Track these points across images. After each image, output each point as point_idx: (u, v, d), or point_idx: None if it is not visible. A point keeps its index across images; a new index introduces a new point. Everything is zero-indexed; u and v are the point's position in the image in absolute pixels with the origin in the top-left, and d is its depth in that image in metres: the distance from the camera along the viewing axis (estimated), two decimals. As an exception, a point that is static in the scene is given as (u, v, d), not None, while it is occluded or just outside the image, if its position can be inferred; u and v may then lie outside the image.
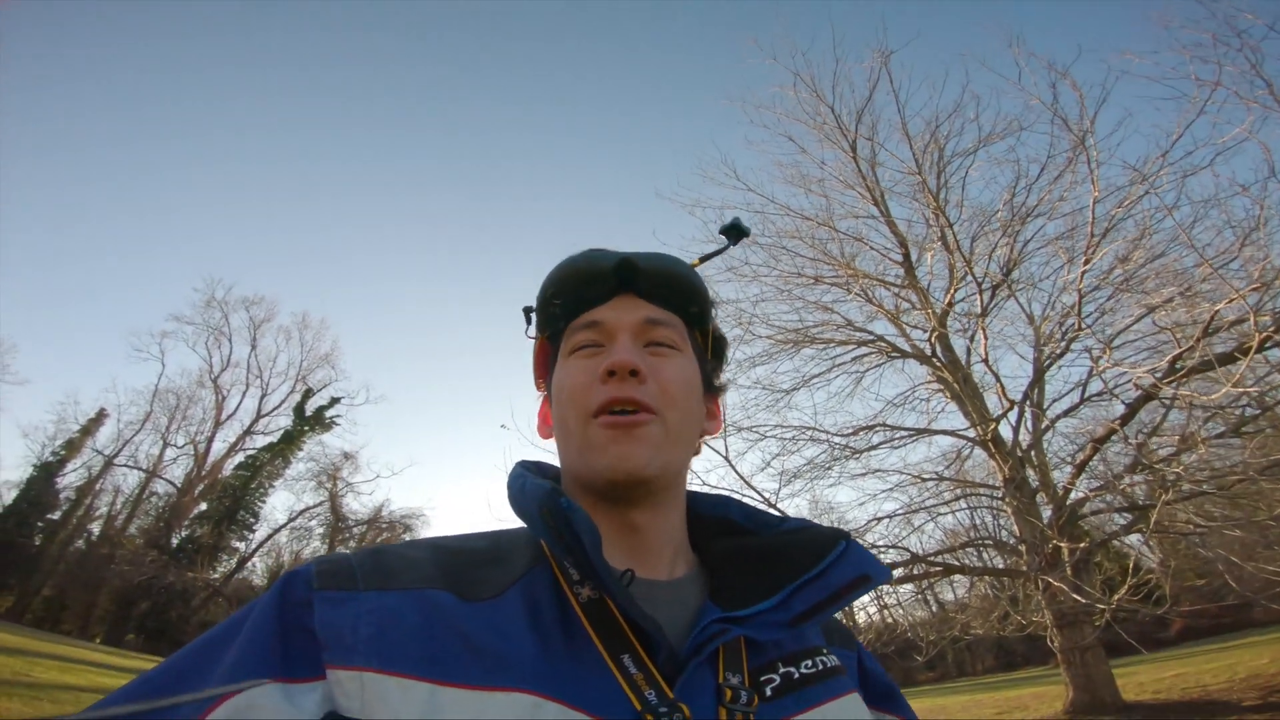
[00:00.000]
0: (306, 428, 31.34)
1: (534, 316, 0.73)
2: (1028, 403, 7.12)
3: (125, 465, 29.89)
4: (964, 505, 10.11)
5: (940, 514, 9.20)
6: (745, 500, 0.73)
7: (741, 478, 6.76)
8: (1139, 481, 6.65)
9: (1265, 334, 4.68)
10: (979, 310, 7.23)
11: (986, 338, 7.00)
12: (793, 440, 8.27)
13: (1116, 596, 5.69)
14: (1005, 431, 7.39)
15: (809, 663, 0.58)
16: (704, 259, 0.78)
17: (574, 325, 0.67)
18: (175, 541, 28.28)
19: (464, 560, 0.56)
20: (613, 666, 0.49)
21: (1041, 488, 7.29)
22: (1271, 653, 9.87)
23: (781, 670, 0.56)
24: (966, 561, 10.31)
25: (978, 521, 12.22)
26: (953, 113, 8.39)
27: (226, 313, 32.74)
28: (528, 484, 0.59)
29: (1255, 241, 5.34)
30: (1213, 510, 6.32)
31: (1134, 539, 7.68)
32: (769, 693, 0.54)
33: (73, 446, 28.97)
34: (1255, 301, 4.85)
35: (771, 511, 0.71)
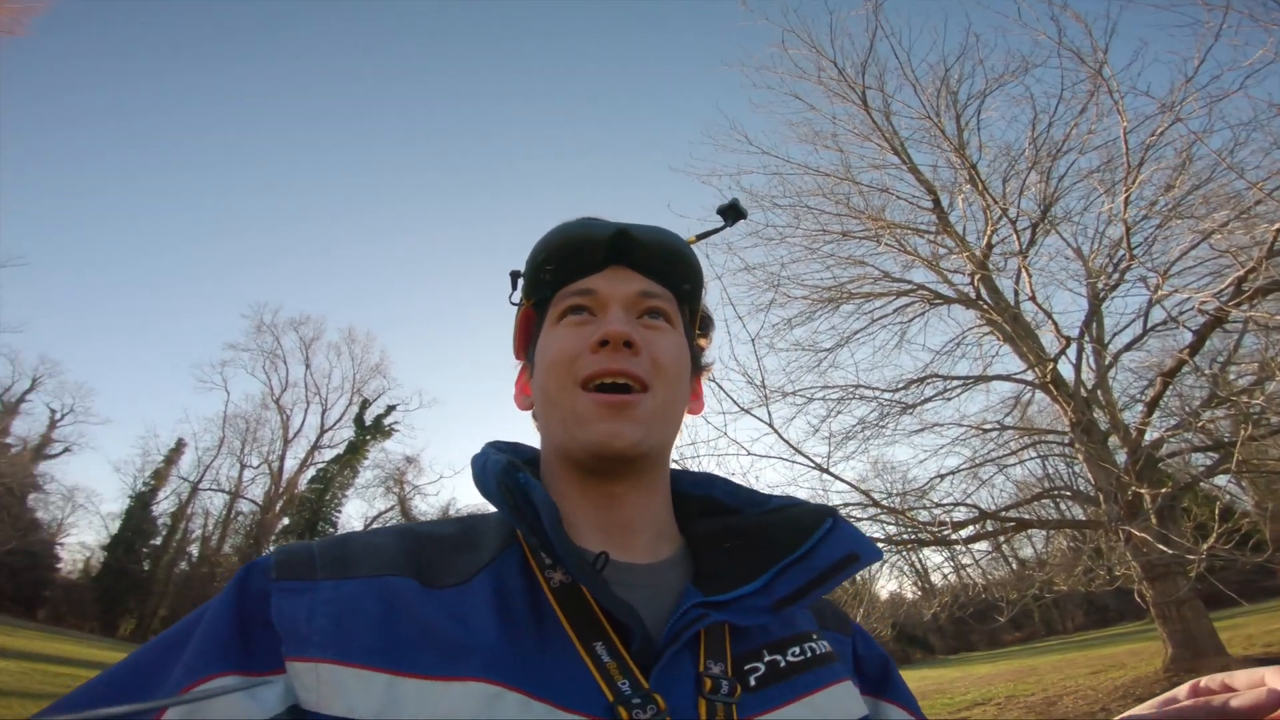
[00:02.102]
0: (368, 437, 32.27)
1: (520, 282, 0.70)
2: (1086, 338, 6.54)
3: (209, 489, 31.81)
4: (1034, 454, 9.54)
5: (1008, 465, 8.74)
6: (731, 478, 0.71)
7: (790, 445, 6.40)
8: (1220, 416, 6.01)
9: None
10: (1019, 249, 6.71)
11: (1030, 276, 6.49)
12: (840, 400, 7.87)
13: (1207, 545, 5.13)
14: (1066, 372, 6.84)
15: (796, 650, 0.55)
16: (701, 237, 0.76)
17: (564, 292, 0.64)
18: (266, 556, 29.96)
19: (431, 546, 0.54)
20: (584, 655, 0.47)
21: (1113, 430, 6.68)
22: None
23: (767, 658, 0.53)
24: (1043, 514, 9.74)
25: (1050, 471, 11.56)
26: (960, 56, 7.88)
27: (277, 336, 33.89)
28: (489, 462, 0.57)
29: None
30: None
31: (1223, 480, 7.02)
32: (753, 682, 0.51)
33: (160, 476, 30.92)
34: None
35: (758, 489, 0.68)
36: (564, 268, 0.65)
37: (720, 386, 5.72)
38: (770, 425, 5.95)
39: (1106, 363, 6.72)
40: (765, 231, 8.45)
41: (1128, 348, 6.75)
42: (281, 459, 32.25)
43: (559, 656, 0.47)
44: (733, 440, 5.82)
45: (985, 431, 8.12)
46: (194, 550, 31.79)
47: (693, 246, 0.71)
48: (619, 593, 0.49)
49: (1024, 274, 6.52)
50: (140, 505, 29.94)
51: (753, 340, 6.06)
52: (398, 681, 0.42)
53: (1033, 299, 6.33)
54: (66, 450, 30.86)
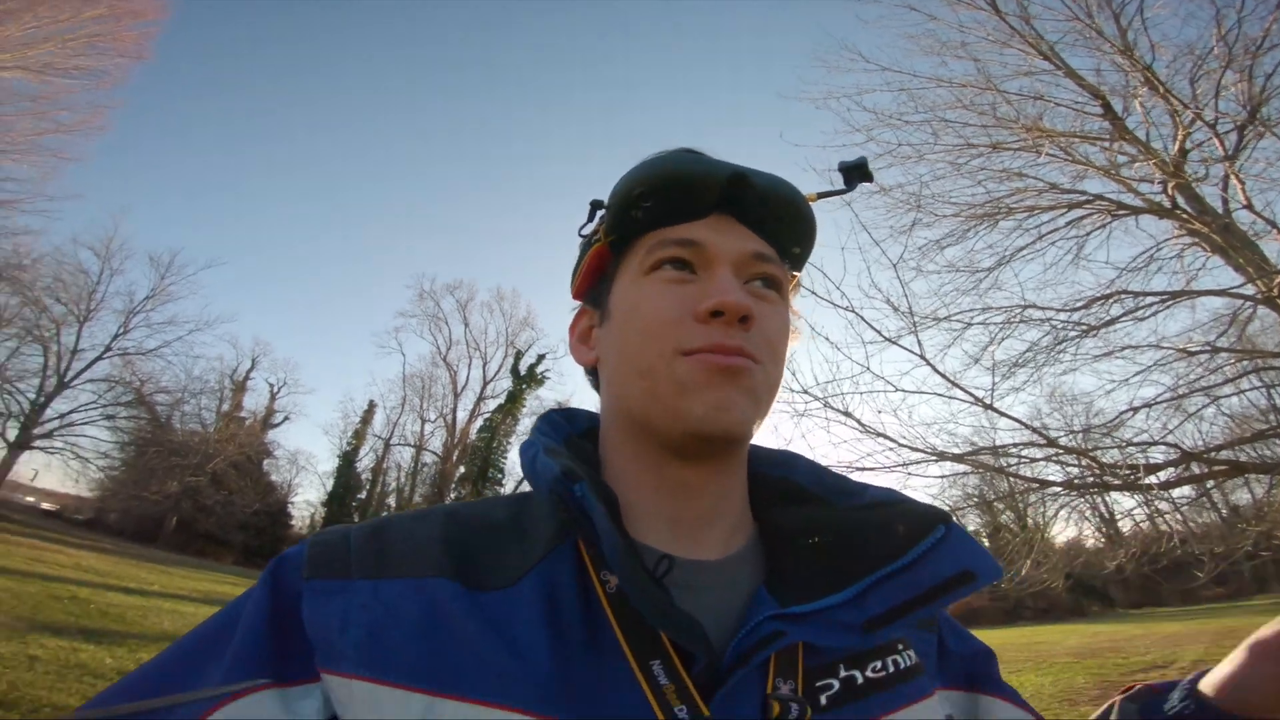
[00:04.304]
0: (524, 386, 34.54)
1: (600, 214, 0.61)
2: (1323, 248, 5.27)
3: (399, 444, 36.31)
4: (1257, 383, 8.00)
5: (1223, 396, 7.40)
6: (815, 459, 0.62)
7: (946, 377, 5.81)
8: None
9: None
10: (1223, 155, 5.48)
11: (1242, 183, 5.30)
12: (1005, 325, 6.92)
13: None
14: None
15: (878, 664, 0.49)
16: (822, 195, 0.65)
17: (659, 237, 0.55)
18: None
19: (478, 538, 0.50)
20: (640, 675, 0.42)
21: (1368, 351, 5.41)
22: None
23: (843, 674, 0.47)
24: (1272, 453, 8.22)
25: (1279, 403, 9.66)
26: None
27: (438, 300, 36.95)
28: (539, 464, 0.50)
29: None
30: None
31: None
32: (824, 701, 0.46)
33: (359, 436, 35.63)
34: None
35: (850, 476, 0.60)
36: (663, 207, 0.55)
37: (860, 316, 5.22)
38: (921, 355, 5.30)
39: (1356, 273, 5.39)
40: (900, 150, 7.51)
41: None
42: (454, 412, 35.84)
43: (611, 677, 0.43)
44: (878, 375, 5.36)
45: (1192, 355, 6.73)
46: (391, 501, 36.54)
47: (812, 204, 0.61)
48: (682, 596, 0.45)
49: (1234, 180, 5.36)
50: (346, 463, 34.92)
51: (894, 266, 5.54)
52: (437, 703, 0.39)
53: (1248, 206, 5.19)
54: (286, 419, 36.31)
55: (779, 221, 0.56)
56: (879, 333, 5.30)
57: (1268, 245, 5.81)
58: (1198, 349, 6.91)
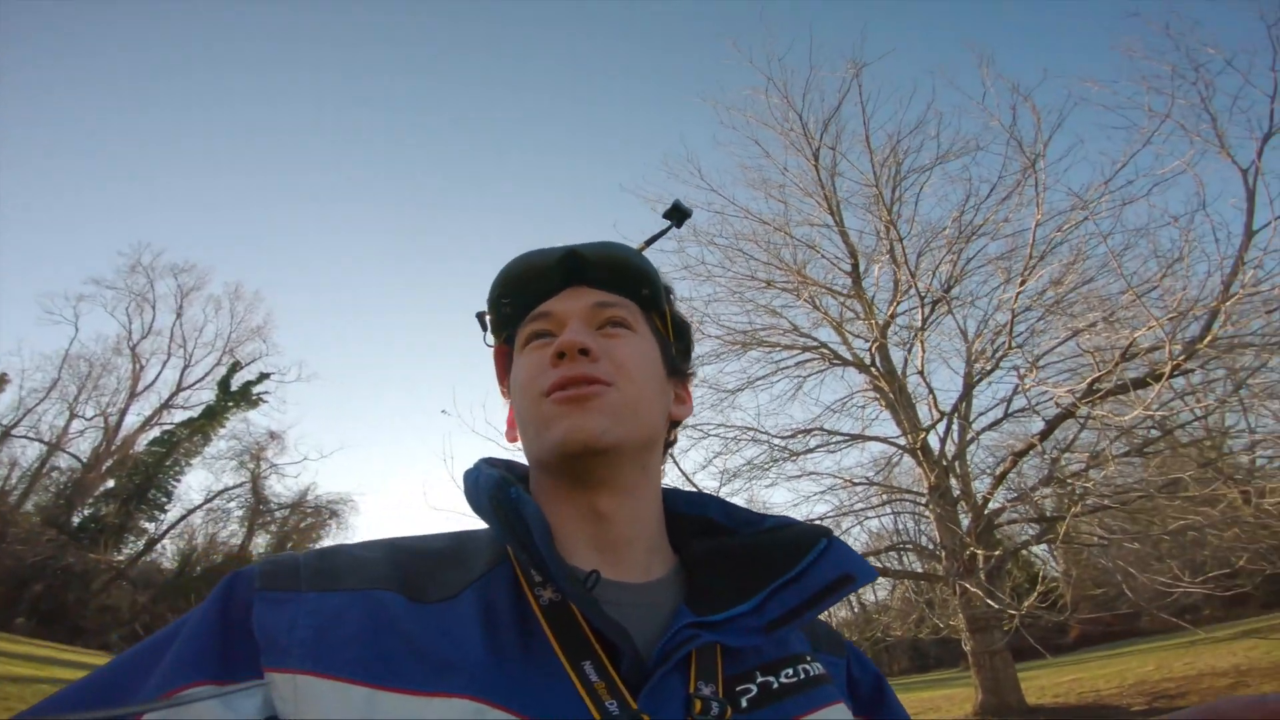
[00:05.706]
0: (231, 403, 29.30)
1: (488, 322, 0.72)
2: (956, 415, 7.48)
3: (25, 436, 27.45)
4: (889, 510, 10.48)
5: (867, 518, 9.55)
6: (724, 499, 0.71)
7: (684, 474, 6.81)
8: (1050, 495, 7.11)
9: (1176, 361, 5.06)
10: (919, 324, 7.55)
11: (924, 351, 7.32)
12: (735, 440, 8.44)
13: (1026, 603, 6.03)
14: (934, 441, 7.76)
15: (790, 671, 0.55)
16: (648, 242, 0.77)
17: (526, 320, 0.67)
18: (77, 520, 26.23)
19: (420, 560, 0.54)
20: (572, 674, 0.47)
21: (963, 496, 7.70)
22: (1156, 660, 10.70)
23: (759, 680, 0.53)
24: (889, 564, 10.73)
25: (901, 526, 12.77)
26: (915, 128, 8.75)
27: (152, 279, 29.93)
28: (481, 476, 0.58)
29: (1176, 272, 5.76)
30: (1113, 524, 6.82)
31: (1041, 549, 8.22)
32: (744, 704, 0.51)
33: (-36, 413, 26.56)
34: (1170, 330, 5.18)
35: (754, 510, 0.68)
36: (521, 298, 0.67)
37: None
38: (670, 455, 6.25)
39: (969, 438, 7.70)
40: (697, 268, 9.01)
41: (989, 428, 7.78)
42: (122, 414, 28.36)
43: (546, 675, 0.46)
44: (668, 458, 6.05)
45: (854, 485, 8.86)
46: (-12, 503, 27.55)
47: (644, 253, 0.72)
48: (609, 611, 0.49)
49: (919, 348, 7.30)
50: (-71, 442, 25.59)
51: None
52: (378, 695, 0.42)
53: (920, 374, 7.15)
54: None
55: (617, 275, 0.67)
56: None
57: (922, 407, 7.99)
58: (859, 481, 9.01)
